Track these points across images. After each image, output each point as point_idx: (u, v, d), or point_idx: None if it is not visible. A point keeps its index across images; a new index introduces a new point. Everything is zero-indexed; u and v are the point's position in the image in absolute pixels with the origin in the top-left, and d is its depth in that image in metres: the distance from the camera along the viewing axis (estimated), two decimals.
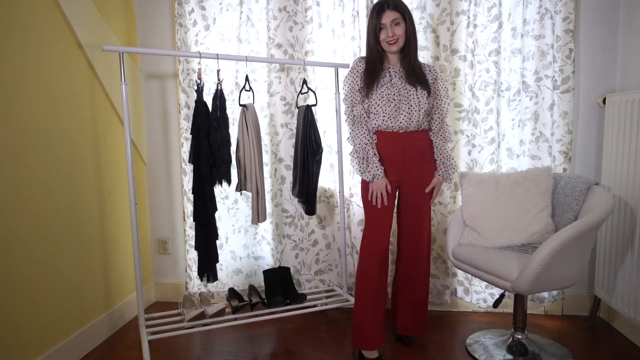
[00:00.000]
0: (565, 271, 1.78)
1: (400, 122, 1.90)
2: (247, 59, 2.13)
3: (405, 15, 1.87)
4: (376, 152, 1.90)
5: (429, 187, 1.98)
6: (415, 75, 1.91)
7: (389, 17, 1.85)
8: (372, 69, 1.91)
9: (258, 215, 2.15)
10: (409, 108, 1.90)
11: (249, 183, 2.12)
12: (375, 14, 1.88)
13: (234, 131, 2.33)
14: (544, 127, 2.31)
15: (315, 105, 2.31)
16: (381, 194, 1.88)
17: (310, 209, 2.29)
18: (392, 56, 1.95)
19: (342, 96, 2.01)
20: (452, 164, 2.00)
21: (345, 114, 1.97)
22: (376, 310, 1.93)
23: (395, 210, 2.08)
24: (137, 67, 2.57)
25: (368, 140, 1.89)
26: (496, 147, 2.35)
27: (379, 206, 1.90)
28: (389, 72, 1.93)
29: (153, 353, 2.04)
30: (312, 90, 2.34)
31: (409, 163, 1.94)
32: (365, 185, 1.97)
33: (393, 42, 1.87)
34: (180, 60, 2.49)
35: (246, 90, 2.20)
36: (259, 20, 2.46)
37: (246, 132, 2.10)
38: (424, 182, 1.98)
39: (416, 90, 1.90)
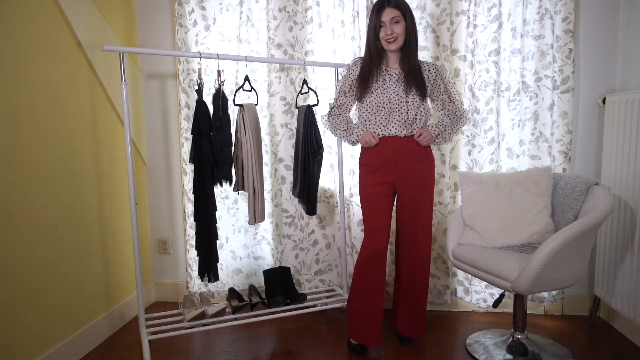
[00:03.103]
0: (565, 271, 1.78)
1: (391, 130, 1.92)
2: (247, 59, 2.13)
3: (406, 14, 1.87)
4: (353, 123, 2.01)
5: (417, 132, 1.93)
6: (414, 77, 1.90)
7: (388, 14, 1.84)
8: (367, 71, 1.91)
9: (255, 216, 2.15)
10: (399, 116, 1.90)
11: (246, 183, 2.12)
12: (376, 11, 1.87)
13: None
14: (543, 127, 2.31)
15: (316, 105, 2.31)
16: (371, 136, 1.92)
17: (311, 209, 2.29)
18: (391, 55, 1.94)
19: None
20: (446, 131, 1.97)
21: (330, 105, 2.06)
22: (369, 306, 1.96)
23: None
24: (137, 67, 2.57)
25: (343, 118, 2.02)
26: (496, 147, 2.36)
27: (375, 142, 1.93)
28: (384, 75, 1.93)
29: (153, 353, 2.04)
30: (313, 90, 2.34)
31: (402, 164, 1.94)
32: (362, 184, 1.98)
33: (392, 40, 1.86)
34: (180, 61, 2.49)
35: (244, 90, 2.20)
36: (259, 20, 2.46)
37: (243, 131, 2.10)
38: (419, 184, 1.96)
39: (407, 97, 1.89)
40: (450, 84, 2.00)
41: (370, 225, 1.96)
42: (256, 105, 2.22)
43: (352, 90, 2.01)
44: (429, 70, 1.96)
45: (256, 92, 2.27)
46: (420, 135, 1.92)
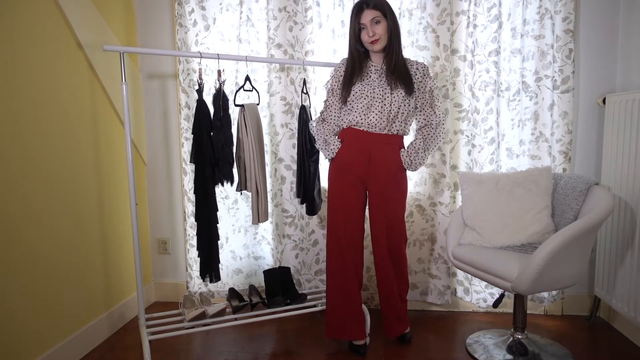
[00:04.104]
0: (565, 271, 1.78)
1: (371, 120, 1.91)
2: (247, 58, 2.13)
3: (386, 12, 1.85)
4: (334, 138, 2.01)
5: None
6: (398, 74, 1.89)
7: (368, 16, 1.83)
8: (351, 70, 1.91)
9: (259, 216, 2.16)
10: (381, 107, 1.89)
11: (249, 183, 2.12)
12: (355, 14, 1.86)
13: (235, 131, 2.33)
14: (543, 127, 2.31)
15: (309, 106, 2.32)
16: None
17: (310, 209, 2.29)
18: (376, 55, 1.94)
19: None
20: (417, 158, 1.96)
21: (320, 112, 2.04)
22: (341, 298, 1.99)
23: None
24: (137, 67, 2.57)
25: (329, 132, 2.01)
26: (496, 147, 2.36)
27: None
28: (369, 69, 1.93)
29: (153, 353, 2.04)
30: (306, 94, 2.32)
31: (375, 167, 1.94)
32: (331, 177, 2.00)
33: (375, 41, 1.85)
34: (180, 61, 2.49)
35: (245, 90, 2.20)
36: (259, 20, 2.46)
37: (245, 131, 2.10)
38: (390, 193, 1.95)
39: (391, 92, 1.89)
40: (436, 89, 1.99)
41: (333, 220, 1.98)
42: (258, 105, 2.22)
43: (337, 89, 2.00)
44: (417, 69, 1.95)
45: (257, 92, 2.27)
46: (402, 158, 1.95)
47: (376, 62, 1.95)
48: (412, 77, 1.93)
